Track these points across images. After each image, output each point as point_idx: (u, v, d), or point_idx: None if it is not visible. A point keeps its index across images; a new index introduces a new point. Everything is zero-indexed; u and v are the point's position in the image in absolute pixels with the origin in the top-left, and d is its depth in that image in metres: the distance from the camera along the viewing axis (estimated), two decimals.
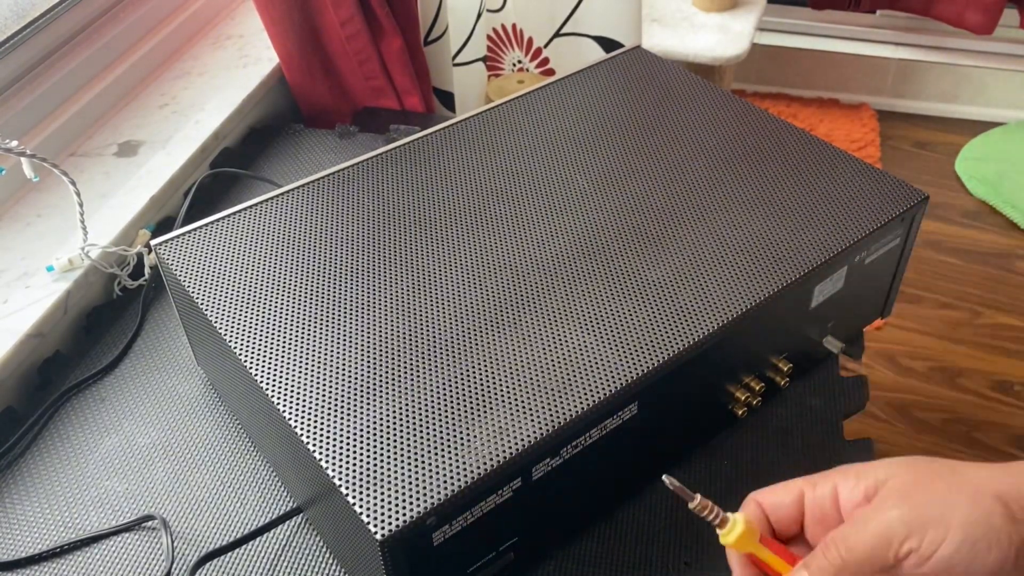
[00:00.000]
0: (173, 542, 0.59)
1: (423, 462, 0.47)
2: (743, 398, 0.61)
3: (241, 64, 1.03)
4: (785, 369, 0.62)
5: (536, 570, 0.56)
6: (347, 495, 0.46)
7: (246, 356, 0.55)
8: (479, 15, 1.08)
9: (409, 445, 0.48)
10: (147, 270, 0.79)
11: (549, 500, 0.52)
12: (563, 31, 1.11)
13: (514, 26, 1.15)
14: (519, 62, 1.19)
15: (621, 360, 0.52)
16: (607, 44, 1.10)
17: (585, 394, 0.51)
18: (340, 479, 0.47)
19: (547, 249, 0.61)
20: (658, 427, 0.57)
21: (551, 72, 1.16)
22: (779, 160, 0.67)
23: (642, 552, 0.57)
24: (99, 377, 0.71)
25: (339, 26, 0.94)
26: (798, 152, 0.68)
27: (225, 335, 0.56)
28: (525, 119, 0.73)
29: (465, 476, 0.46)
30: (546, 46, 1.14)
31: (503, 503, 0.49)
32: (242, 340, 0.56)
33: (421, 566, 0.47)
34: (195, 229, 0.65)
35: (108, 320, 0.77)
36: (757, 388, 0.61)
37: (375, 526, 0.44)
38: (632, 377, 0.51)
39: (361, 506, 0.46)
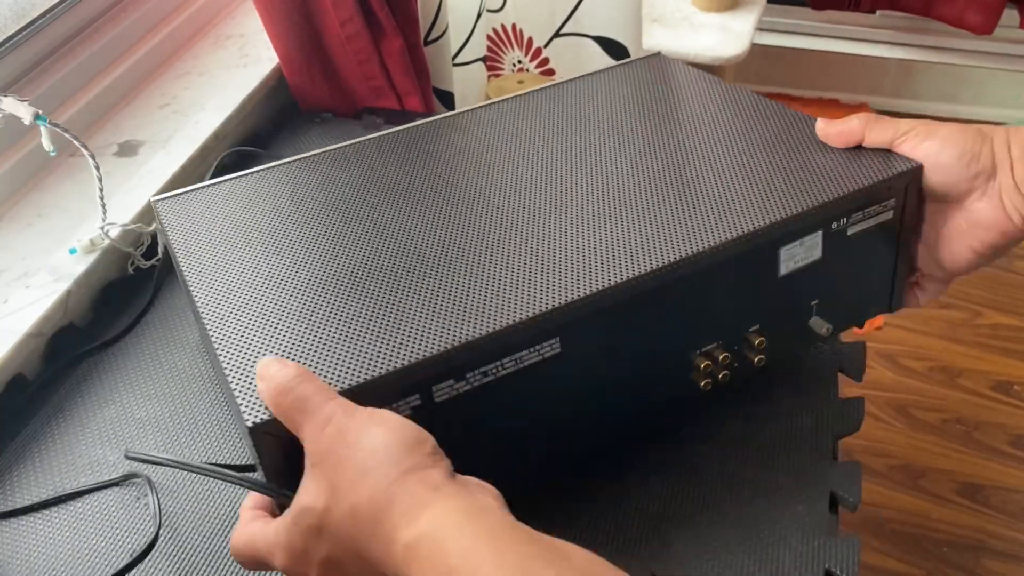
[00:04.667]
0: (159, 499, 0.61)
1: (315, 362, 0.48)
2: (703, 366, 0.58)
3: (241, 64, 1.03)
4: (756, 343, 0.59)
5: None
6: (230, 380, 0.47)
7: (200, 298, 0.56)
8: (479, 15, 1.08)
9: (307, 346, 0.49)
10: (160, 250, 0.81)
11: (462, 432, 0.51)
12: (563, 31, 1.11)
13: (514, 26, 1.15)
14: (519, 62, 1.19)
15: (542, 288, 0.51)
16: (607, 44, 1.10)
17: (492, 318, 0.50)
18: (228, 366, 0.48)
19: (513, 184, 0.61)
20: (594, 379, 0.55)
21: (551, 72, 1.16)
22: (769, 135, 0.65)
23: (610, 557, 0.57)
24: (103, 349, 0.73)
25: (339, 26, 0.94)
26: (793, 129, 0.65)
27: (190, 283, 0.57)
28: (533, 115, 0.73)
29: (349, 378, 0.47)
30: (546, 46, 1.14)
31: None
32: (202, 287, 0.57)
33: (299, 462, 0.47)
34: (197, 189, 0.67)
35: (121, 297, 0.78)
36: (721, 358, 0.58)
37: (248, 413, 0.45)
38: (547, 307, 0.50)
39: (240, 392, 0.47)
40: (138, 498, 0.62)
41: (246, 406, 0.46)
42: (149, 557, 0.57)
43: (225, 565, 0.58)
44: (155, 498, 0.60)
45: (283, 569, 0.45)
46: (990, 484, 1.33)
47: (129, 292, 0.79)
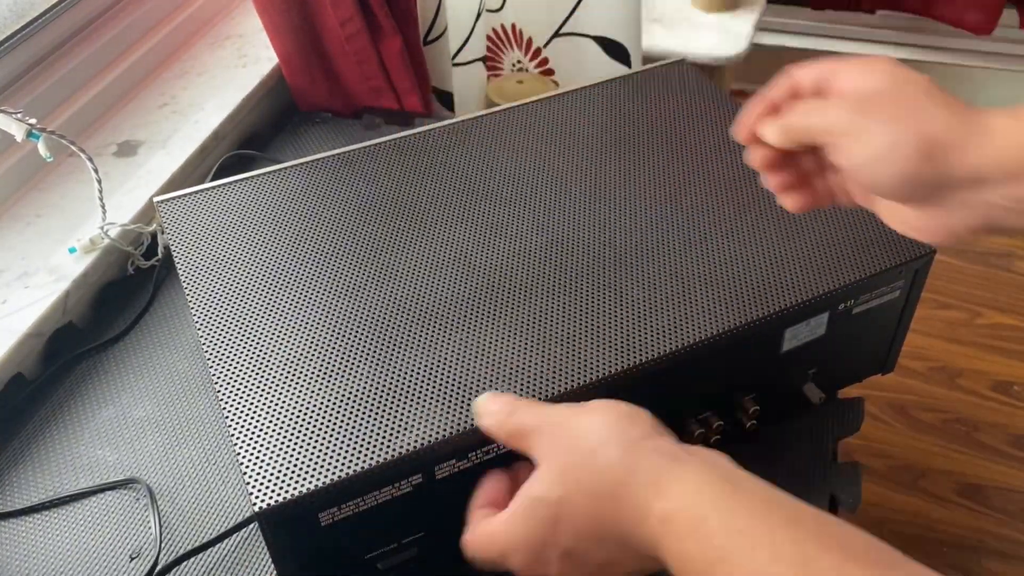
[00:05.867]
0: (158, 507, 0.61)
1: (322, 445, 0.48)
2: (696, 433, 0.58)
3: (240, 64, 1.03)
4: (751, 411, 0.59)
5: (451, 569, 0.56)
6: (242, 464, 0.47)
7: (198, 312, 0.56)
8: (478, 15, 1.08)
9: (316, 427, 0.49)
10: (160, 250, 0.80)
11: (458, 502, 0.51)
12: (563, 31, 1.11)
13: (513, 26, 1.15)
14: (518, 62, 1.19)
15: (546, 373, 0.52)
16: (607, 44, 1.09)
17: None
18: (242, 447, 0.48)
19: (517, 255, 0.60)
20: None
21: (550, 72, 1.16)
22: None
23: None
24: (102, 349, 0.73)
25: (339, 26, 0.94)
26: None
27: (188, 292, 0.58)
28: (544, 122, 0.73)
29: (356, 464, 0.47)
30: (545, 46, 1.14)
31: (401, 496, 0.49)
32: (200, 299, 0.58)
33: (307, 544, 0.48)
34: (201, 191, 0.67)
35: (121, 297, 0.78)
36: (715, 425, 0.58)
37: (257, 496, 0.45)
38: (552, 393, 0.50)
39: (250, 475, 0.46)
40: (137, 499, 0.61)
41: (254, 489, 0.46)
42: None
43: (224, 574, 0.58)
44: (156, 517, 0.60)
45: (522, 568, 0.43)
46: (990, 484, 1.33)
47: (129, 292, 0.79)
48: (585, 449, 0.42)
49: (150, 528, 0.59)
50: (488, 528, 0.44)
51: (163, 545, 0.58)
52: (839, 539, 0.35)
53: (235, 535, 0.59)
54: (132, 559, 0.58)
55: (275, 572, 0.50)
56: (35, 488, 0.63)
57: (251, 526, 0.59)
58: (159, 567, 0.57)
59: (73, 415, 0.68)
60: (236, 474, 0.63)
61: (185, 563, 0.57)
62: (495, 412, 0.46)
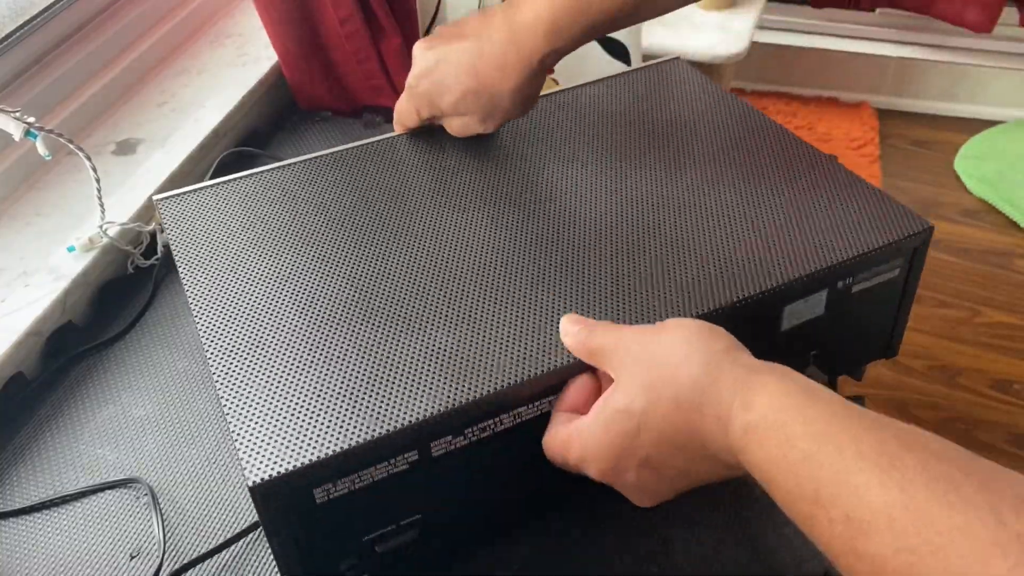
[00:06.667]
0: (160, 508, 0.60)
1: (316, 420, 0.48)
2: None
3: (240, 63, 1.03)
4: None
5: (453, 557, 0.56)
6: (235, 438, 0.47)
7: (198, 310, 0.56)
8: None
9: (309, 402, 0.49)
10: (160, 249, 0.80)
11: (456, 482, 0.51)
12: None
13: None
14: None
15: (543, 349, 0.51)
16: (607, 43, 1.09)
17: (494, 377, 0.50)
18: (234, 422, 0.48)
19: (515, 243, 0.60)
20: None
21: (549, 71, 1.16)
22: (783, 176, 0.64)
23: (608, 555, 0.57)
24: (102, 348, 0.73)
25: (338, 25, 0.94)
26: (806, 169, 0.65)
27: (188, 291, 0.58)
28: (543, 119, 0.73)
29: (349, 439, 0.46)
30: None
31: (397, 474, 0.49)
32: (200, 297, 0.57)
33: (303, 522, 0.47)
34: (200, 189, 0.67)
35: (121, 296, 0.78)
36: None
37: (250, 471, 0.45)
38: (547, 368, 0.50)
39: (243, 450, 0.46)
40: (137, 498, 0.61)
41: (248, 464, 0.46)
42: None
43: (227, 574, 0.58)
44: (159, 517, 0.60)
45: (599, 475, 0.47)
46: None
47: (128, 291, 0.79)
48: (669, 364, 0.44)
49: (151, 527, 0.59)
50: (568, 432, 0.47)
51: (165, 546, 0.58)
52: (920, 439, 0.36)
53: (240, 540, 0.59)
54: (132, 558, 0.58)
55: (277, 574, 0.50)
56: (35, 487, 0.63)
57: (256, 531, 0.59)
58: (163, 572, 0.57)
59: (73, 414, 0.68)
60: (237, 473, 0.63)
61: (190, 570, 0.57)
62: (575, 332, 0.49)
